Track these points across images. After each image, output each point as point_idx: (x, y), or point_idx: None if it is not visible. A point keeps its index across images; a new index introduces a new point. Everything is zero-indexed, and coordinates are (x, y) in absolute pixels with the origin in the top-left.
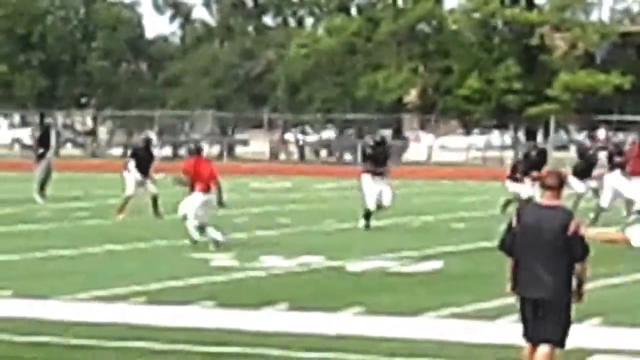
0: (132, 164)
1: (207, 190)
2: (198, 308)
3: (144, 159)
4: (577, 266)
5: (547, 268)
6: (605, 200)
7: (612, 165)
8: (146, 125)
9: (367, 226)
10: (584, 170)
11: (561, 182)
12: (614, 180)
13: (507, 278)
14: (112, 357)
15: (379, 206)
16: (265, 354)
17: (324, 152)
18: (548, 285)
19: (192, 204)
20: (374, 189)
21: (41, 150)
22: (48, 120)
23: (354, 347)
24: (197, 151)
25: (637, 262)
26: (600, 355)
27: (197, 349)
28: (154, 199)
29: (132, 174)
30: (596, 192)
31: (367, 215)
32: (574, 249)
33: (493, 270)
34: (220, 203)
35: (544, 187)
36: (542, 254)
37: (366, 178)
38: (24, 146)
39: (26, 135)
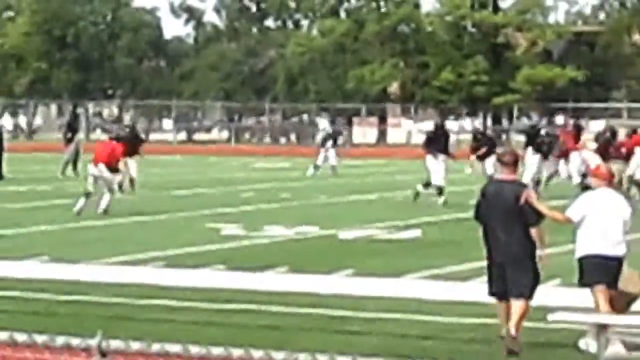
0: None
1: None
2: (210, 271)
3: (129, 144)
4: (533, 231)
5: (508, 234)
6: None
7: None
8: (164, 114)
9: (417, 195)
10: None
11: (516, 160)
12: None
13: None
14: (136, 313)
15: (427, 183)
16: (268, 310)
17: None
18: (511, 249)
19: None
20: (437, 167)
21: (70, 135)
22: (80, 109)
23: (345, 304)
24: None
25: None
26: (560, 312)
27: (209, 306)
28: (132, 180)
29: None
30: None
31: (427, 184)
32: (527, 216)
33: (466, 237)
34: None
35: (502, 163)
36: (503, 221)
37: (430, 158)
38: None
39: (7, 122)
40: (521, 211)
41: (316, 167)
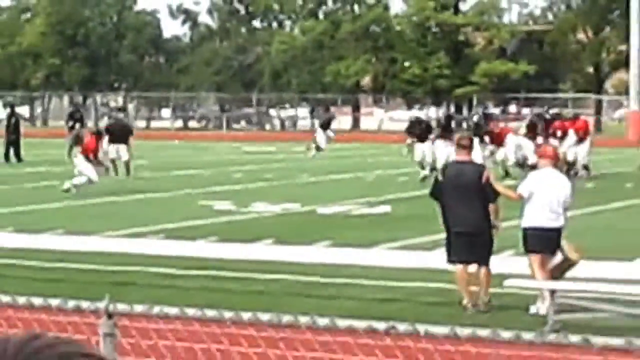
0: (106, 138)
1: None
2: (204, 242)
3: (116, 133)
4: (491, 206)
5: (468, 208)
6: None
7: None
8: (163, 104)
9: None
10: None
11: (471, 143)
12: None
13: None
14: (140, 279)
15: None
16: (255, 277)
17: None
18: (470, 222)
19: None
20: (444, 151)
21: (71, 123)
22: (89, 100)
23: (323, 271)
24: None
25: None
26: (513, 279)
27: (204, 273)
28: (126, 163)
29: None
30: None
31: (433, 169)
32: (487, 193)
33: (430, 212)
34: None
35: (460, 146)
36: (465, 198)
37: (439, 143)
38: None
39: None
40: (482, 189)
41: (318, 149)
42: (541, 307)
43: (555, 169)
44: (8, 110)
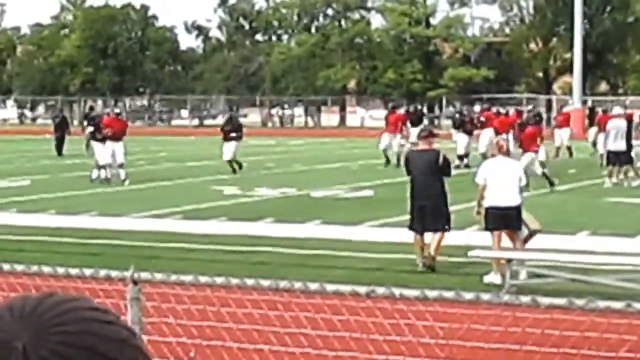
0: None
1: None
2: (216, 221)
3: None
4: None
5: (429, 187)
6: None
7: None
8: (182, 106)
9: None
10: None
11: (431, 134)
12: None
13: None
14: (161, 253)
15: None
16: (259, 250)
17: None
18: (430, 196)
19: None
20: (463, 142)
21: (85, 124)
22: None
23: (316, 245)
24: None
25: None
26: (477, 250)
27: (216, 248)
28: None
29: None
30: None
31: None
32: (445, 171)
33: (405, 195)
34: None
35: (421, 137)
36: (424, 178)
37: (457, 134)
38: None
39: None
40: (441, 168)
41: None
42: (495, 277)
43: (505, 157)
44: (57, 112)
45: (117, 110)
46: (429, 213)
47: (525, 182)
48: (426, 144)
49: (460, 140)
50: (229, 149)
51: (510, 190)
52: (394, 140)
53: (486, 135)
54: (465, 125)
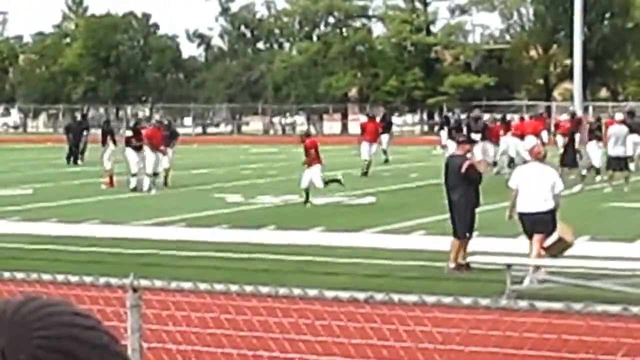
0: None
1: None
2: (218, 229)
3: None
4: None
5: (452, 191)
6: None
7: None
8: (184, 114)
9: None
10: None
11: (466, 141)
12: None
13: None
14: (167, 261)
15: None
16: (261, 257)
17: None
18: (453, 201)
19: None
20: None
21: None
22: (121, 112)
23: (318, 252)
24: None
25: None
26: (477, 256)
27: (218, 255)
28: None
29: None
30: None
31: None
32: (469, 178)
33: (409, 202)
34: None
35: (458, 142)
36: (451, 183)
37: (450, 143)
38: None
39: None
40: (464, 175)
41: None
42: (530, 279)
43: (540, 162)
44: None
45: (157, 119)
46: (454, 218)
47: (562, 187)
48: (460, 150)
49: (451, 146)
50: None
51: (541, 196)
52: (372, 148)
53: (531, 141)
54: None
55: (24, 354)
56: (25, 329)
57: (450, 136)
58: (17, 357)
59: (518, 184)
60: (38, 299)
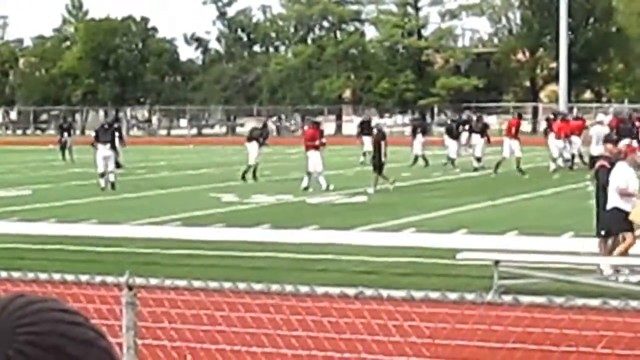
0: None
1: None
2: (214, 228)
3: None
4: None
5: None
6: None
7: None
8: (181, 115)
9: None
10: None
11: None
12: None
13: None
14: (160, 259)
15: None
16: (257, 255)
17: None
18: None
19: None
20: (454, 147)
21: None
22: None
23: (312, 249)
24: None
25: (499, 191)
26: (465, 252)
27: (214, 253)
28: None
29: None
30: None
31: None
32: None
33: (398, 201)
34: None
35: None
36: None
37: (451, 143)
38: None
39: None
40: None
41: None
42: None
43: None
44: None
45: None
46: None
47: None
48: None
49: (452, 145)
50: None
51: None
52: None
53: (577, 141)
54: (453, 131)
55: (11, 350)
56: (13, 325)
57: (450, 136)
58: (5, 352)
59: (630, 184)
60: (25, 295)
